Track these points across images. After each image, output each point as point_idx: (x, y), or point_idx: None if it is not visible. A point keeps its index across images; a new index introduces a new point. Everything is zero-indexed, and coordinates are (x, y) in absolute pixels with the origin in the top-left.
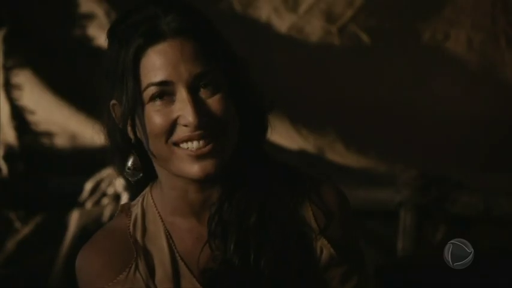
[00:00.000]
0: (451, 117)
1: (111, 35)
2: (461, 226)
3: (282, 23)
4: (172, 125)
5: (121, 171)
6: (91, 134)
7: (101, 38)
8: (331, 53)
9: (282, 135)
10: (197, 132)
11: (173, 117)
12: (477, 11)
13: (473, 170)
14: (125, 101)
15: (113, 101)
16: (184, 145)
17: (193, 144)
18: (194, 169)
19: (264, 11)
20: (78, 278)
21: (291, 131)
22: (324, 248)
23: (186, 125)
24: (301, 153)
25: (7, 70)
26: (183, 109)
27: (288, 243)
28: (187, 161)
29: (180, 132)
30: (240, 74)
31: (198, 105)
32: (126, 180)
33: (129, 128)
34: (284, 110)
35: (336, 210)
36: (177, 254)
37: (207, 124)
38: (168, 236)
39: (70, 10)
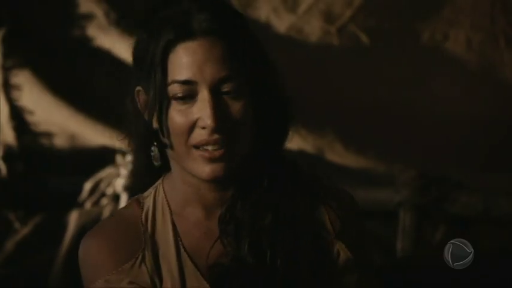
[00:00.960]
0: (451, 117)
1: (141, 23)
2: (460, 226)
3: (281, 23)
4: (192, 126)
5: (140, 156)
6: (90, 134)
7: (100, 38)
8: (330, 53)
9: None
10: (214, 137)
11: (193, 119)
12: (476, 11)
13: (473, 170)
14: (153, 92)
15: (138, 87)
16: (200, 148)
17: (208, 147)
18: (205, 171)
19: (263, 11)
20: (81, 264)
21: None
22: (341, 251)
23: (204, 127)
24: (300, 154)
25: (6, 70)
26: (202, 111)
27: (303, 244)
28: (200, 162)
29: (198, 135)
30: (268, 78)
31: (218, 109)
32: (150, 164)
33: (154, 119)
34: None
35: (351, 216)
36: (182, 248)
37: (224, 129)
38: (175, 229)
39: (69, 10)
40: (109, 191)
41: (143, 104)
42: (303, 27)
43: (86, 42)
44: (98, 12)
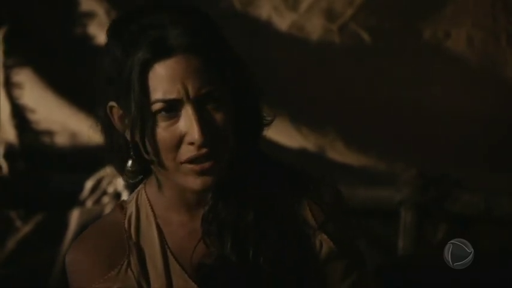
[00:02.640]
0: (452, 116)
1: (113, 35)
2: (461, 225)
3: (283, 22)
4: (178, 143)
5: (121, 171)
6: (91, 132)
7: (101, 37)
8: (331, 52)
9: (282, 133)
10: (203, 151)
11: (180, 134)
12: (478, 10)
13: (474, 169)
14: (134, 111)
15: (111, 103)
16: (191, 165)
17: (198, 161)
18: (196, 183)
19: (265, 10)
20: (68, 274)
21: (291, 129)
22: (323, 242)
23: (191, 143)
24: (302, 152)
25: (7, 69)
26: (188, 126)
27: (286, 240)
28: (191, 175)
29: (187, 151)
30: (246, 86)
31: (204, 123)
32: (126, 181)
33: (137, 137)
34: (284, 109)
35: (334, 207)
36: (167, 250)
37: (211, 141)
38: (160, 232)
39: (70, 9)
40: (110, 189)
41: (118, 120)
42: (304, 26)
43: (87, 41)
44: (99, 10)
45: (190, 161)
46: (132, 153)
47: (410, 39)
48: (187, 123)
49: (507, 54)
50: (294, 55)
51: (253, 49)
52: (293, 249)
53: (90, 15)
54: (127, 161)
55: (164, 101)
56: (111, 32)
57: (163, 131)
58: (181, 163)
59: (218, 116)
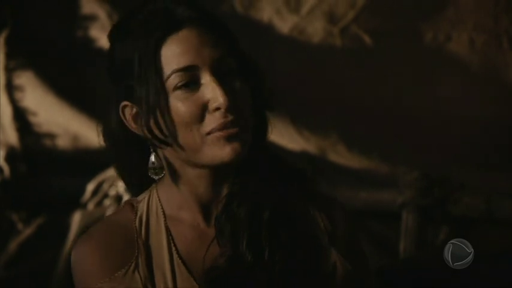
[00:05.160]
0: (453, 118)
1: (118, 35)
2: (463, 227)
3: (284, 24)
4: (202, 112)
5: (132, 173)
6: (93, 135)
7: (103, 40)
8: (333, 54)
9: (284, 136)
10: (229, 118)
11: (202, 103)
12: (479, 12)
13: (476, 171)
14: (146, 95)
15: (124, 103)
16: (217, 133)
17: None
18: (226, 151)
19: (266, 13)
20: (74, 270)
21: (292, 131)
22: (337, 263)
23: (217, 108)
24: (303, 155)
25: (9, 71)
26: (211, 92)
27: (300, 240)
28: (218, 144)
29: (213, 120)
30: (250, 65)
31: (225, 88)
32: (150, 178)
33: (152, 123)
34: (285, 111)
35: (343, 223)
36: (175, 253)
37: (234, 107)
38: (169, 234)
39: (72, 12)
40: (112, 192)
41: (132, 119)
42: (305, 28)
43: (88, 44)
44: (101, 13)
45: (217, 129)
46: (151, 147)
47: (411, 42)
48: (209, 89)
49: (509, 57)
50: (295, 58)
51: (254, 52)
52: (306, 250)
53: (91, 18)
54: (149, 158)
55: (180, 69)
56: (116, 31)
57: (183, 104)
58: (208, 134)
59: (236, 84)
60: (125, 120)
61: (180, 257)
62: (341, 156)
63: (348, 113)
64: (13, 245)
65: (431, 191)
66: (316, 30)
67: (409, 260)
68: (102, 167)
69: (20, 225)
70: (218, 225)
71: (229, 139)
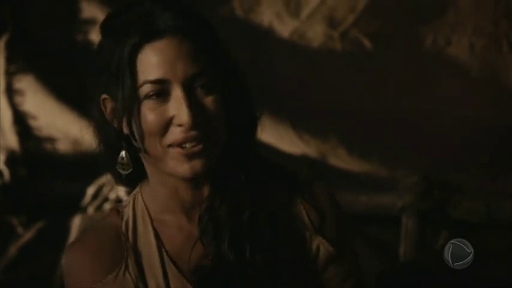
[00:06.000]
0: (453, 122)
1: (105, 30)
2: (463, 231)
3: (284, 28)
4: (167, 125)
5: (110, 166)
6: (93, 139)
7: None
8: (333, 58)
9: (284, 140)
10: (191, 133)
11: (168, 116)
12: (479, 16)
13: (476, 175)
14: (121, 97)
15: (104, 96)
16: (176, 147)
17: (186, 145)
18: (184, 168)
19: (266, 16)
20: (65, 276)
21: (292, 135)
22: (321, 246)
23: (180, 125)
24: (303, 158)
25: (9, 75)
26: (178, 108)
27: (282, 239)
28: (179, 160)
29: (174, 134)
30: (234, 75)
31: (193, 105)
32: (117, 175)
33: (124, 124)
34: (286, 115)
35: (329, 209)
36: (165, 254)
37: (200, 124)
38: (157, 235)
39: (72, 15)
40: (112, 195)
41: (111, 112)
42: (305, 32)
43: (89, 47)
44: (101, 17)
45: (178, 144)
46: (124, 144)
47: (411, 46)
48: (176, 104)
49: (508, 60)
50: (295, 62)
51: (254, 56)
52: (288, 248)
53: (91, 22)
54: (119, 153)
55: (152, 81)
56: (103, 28)
57: (150, 113)
58: (169, 146)
59: (207, 101)
60: (105, 112)
61: (169, 257)
62: (341, 160)
63: (348, 117)
64: (13, 249)
65: (430, 193)
66: (316, 34)
67: (409, 264)
68: (103, 171)
69: (20, 229)
70: (201, 226)
71: (190, 157)
